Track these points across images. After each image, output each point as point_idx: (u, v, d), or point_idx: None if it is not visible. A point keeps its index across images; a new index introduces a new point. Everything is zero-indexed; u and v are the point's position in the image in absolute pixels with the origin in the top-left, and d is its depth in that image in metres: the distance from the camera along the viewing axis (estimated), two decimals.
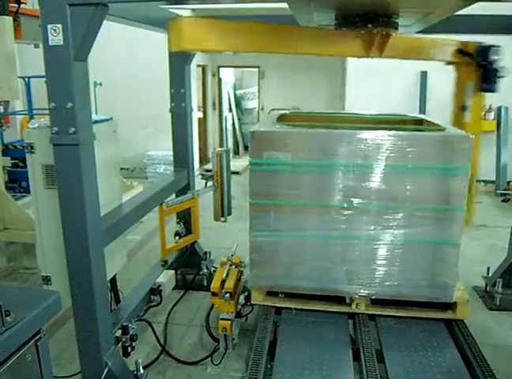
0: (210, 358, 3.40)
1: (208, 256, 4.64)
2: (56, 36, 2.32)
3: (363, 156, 3.12)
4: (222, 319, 3.30)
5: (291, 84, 10.67)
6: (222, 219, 4.14)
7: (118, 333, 2.99)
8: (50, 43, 2.34)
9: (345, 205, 3.21)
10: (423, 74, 8.35)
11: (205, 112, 10.80)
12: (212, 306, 3.43)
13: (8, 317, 1.40)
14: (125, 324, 3.01)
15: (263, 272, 3.44)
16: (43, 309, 1.52)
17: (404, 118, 4.29)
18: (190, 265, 4.59)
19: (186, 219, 4.36)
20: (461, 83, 3.62)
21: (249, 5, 5.04)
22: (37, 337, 1.52)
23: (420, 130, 3.64)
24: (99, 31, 2.45)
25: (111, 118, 3.30)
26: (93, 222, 2.64)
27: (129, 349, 3.05)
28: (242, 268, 3.67)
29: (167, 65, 4.17)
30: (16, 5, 4.34)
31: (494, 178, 8.12)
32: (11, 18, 4.04)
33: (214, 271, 4.33)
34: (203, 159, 10.40)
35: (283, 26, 3.04)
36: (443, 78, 8.20)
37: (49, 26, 2.31)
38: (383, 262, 3.27)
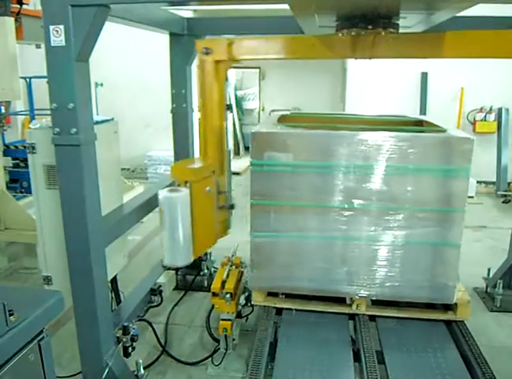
0: (211, 358, 3.40)
1: (208, 256, 4.64)
2: (58, 37, 2.33)
3: (363, 157, 3.12)
4: (222, 319, 3.30)
5: (292, 85, 10.69)
6: None
7: (119, 333, 2.99)
8: (52, 44, 2.34)
9: (346, 206, 3.21)
10: (424, 75, 8.35)
11: None
12: (213, 307, 3.43)
13: (11, 317, 1.41)
14: (125, 324, 3.02)
15: (264, 273, 3.44)
16: (45, 309, 1.53)
17: (404, 119, 4.29)
18: (190, 266, 4.58)
19: None
20: (220, 81, 3.53)
21: (250, 6, 5.05)
22: (40, 337, 1.53)
23: (421, 131, 3.64)
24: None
25: (112, 119, 3.31)
26: (94, 222, 2.64)
27: (130, 349, 3.06)
28: (242, 269, 3.67)
29: (168, 65, 4.18)
30: (18, 6, 4.35)
31: (494, 179, 8.12)
32: (13, 19, 4.05)
33: (215, 271, 4.34)
34: None
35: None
36: (444, 79, 8.27)
37: (51, 27, 2.32)
38: (384, 263, 3.27)
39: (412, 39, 3.16)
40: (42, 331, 1.54)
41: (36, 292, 1.75)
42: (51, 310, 1.57)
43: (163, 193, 3.19)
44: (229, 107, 3.76)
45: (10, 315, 1.41)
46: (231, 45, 3.28)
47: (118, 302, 3.60)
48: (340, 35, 2.86)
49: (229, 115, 11.41)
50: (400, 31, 2.92)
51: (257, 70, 11.13)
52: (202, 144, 3.55)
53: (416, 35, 3.20)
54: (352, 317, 3.42)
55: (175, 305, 4.23)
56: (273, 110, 9.72)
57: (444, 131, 3.36)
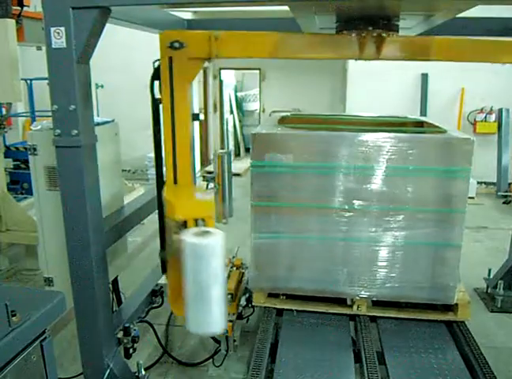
0: (211, 359, 3.40)
1: None
2: (59, 39, 2.33)
3: (364, 158, 3.13)
4: None
5: (292, 86, 10.70)
6: (223, 221, 4.14)
7: (120, 334, 2.99)
8: (53, 46, 2.35)
9: (346, 207, 3.22)
10: (424, 76, 8.37)
11: (206, 114, 10.81)
12: None
13: (14, 317, 1.42)
14: (126, 325, 3.01)
15: (264, 274, 3.44)
16: (48, 309, 1.54)
17: (405, 120, 4.30)
18: None
19: None
20: (190, 84, 2.80)
21: (250, 8, 5.07)
22: (42, 337, 1.54)
23: (421, 132, 3.65)
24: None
25: (113, 120, 3.31)
26: (95, 223, 2.64)
27: (131, 350, 3.05)
28: (243, 270, 3.67)
29: None
30: (19, 8, 4.35)
31: (495, 180, 8.12)
32: (14, 21, 4.05)
33: None
34: (204, 161, 10.42)
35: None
36: (444, 80, 8.28)
37: (52, 29, 2.32)
38: (384, 264, 3.27)
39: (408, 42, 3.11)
40: (44, 331, 1.54)
41: (39, 293, 1.76)
42: (54, 311, 1.57)
43: (188, 239, 2.27)
44: (195, 118, 3.08)
45: (13, 315, 1.42)
46: (217, 39, 2.69)
47: (119, 303, 3.61)
48: (352, 34, 2.78)
49: (229, 117, 11.45)
50: (401, 33, 2.93)
51: (258, 71, 11.15)
52: (171, 165, 2.84)
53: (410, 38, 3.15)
54: (353, 317, 3.42)
55: None
56: (274, 112, 9.73)
57: (444, 132, 3.36)
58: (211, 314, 2.35)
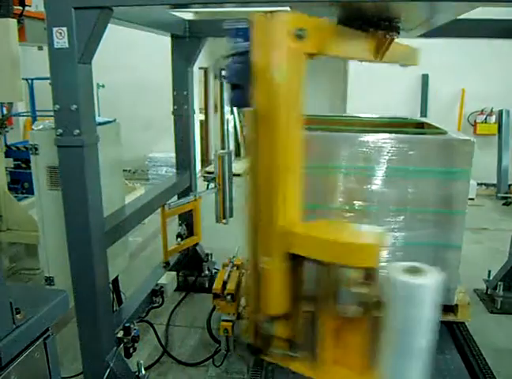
0: (212, 359, 3.41)
1: (209, 257, 4.65)
2: (61, 39, 2.35)
3: (364, 159, 3.13)
4: (223, 320, 3.30)
5: None
6: (224, 221, 4.15)
7: (120, 334, 3.00)
8: (55, 46, 2.36)
9: (347, 208, 3.22)
10: (425, 77, 8.38)
11: (206, 114, 10.82)
12: (214, 308, 3.44)
13: (18, 315, 1.44)
14: (127, 325, 3.02)
15: None
16: (51, 307, 1.55)
17: (405, 121, 4.31)
18: (191, 267, 4.61)
19: (187, 220, 4.38)
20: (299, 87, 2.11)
21: (251, 8, 5.06)
22: (45, 335, 1.55)
23: (422, 133, 3.65)
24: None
25: (115, 120, 3.32)
26: (96, 223, 2.65)
27: (131, 350, 3.06)
28: (243, 270, 3.68)
29: (170, 67, 4.19)
30: (20, 8, 4.36)
31: (495, 182, 8.13)
32: (15, 20, 4.06)
33: (216, 272, 4.35)
34: (205, 162, 10.42)
35: None
36: (444, 82, 8.28)
37: (54, 29, 2.34)
38: (384, 264, 3.27)
39: None
40: (47, 329, 1.56)
41: (42, 291, 1.77)
42: (57, 309, 1.58)
43: (399, 276, 1.87)
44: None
45: (17, 313, 1.43)
46: (324, 30, 2.15)
47: (120, 302, 3.61)
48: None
49: (230, 117, 11.45)
50: (402, 34, 2.93)
51: None
52: (283, 198, 2.05)
53: None
54: None
55: (176, 306, 4.24)
56: None
57: (445, 133, 3.37)
58: (415, 369, 1.98)
